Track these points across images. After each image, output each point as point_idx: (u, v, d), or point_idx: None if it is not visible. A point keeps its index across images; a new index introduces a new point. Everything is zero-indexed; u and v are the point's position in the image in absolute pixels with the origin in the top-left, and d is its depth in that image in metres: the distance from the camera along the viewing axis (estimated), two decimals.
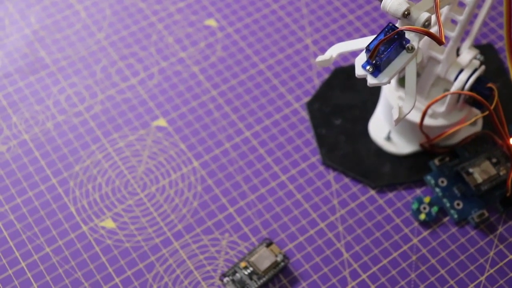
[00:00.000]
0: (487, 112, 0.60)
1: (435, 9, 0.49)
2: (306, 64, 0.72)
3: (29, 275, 0.60)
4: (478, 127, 0.67)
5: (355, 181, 0.65)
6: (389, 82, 0.49)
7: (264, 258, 0.59)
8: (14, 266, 0.61)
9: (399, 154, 0.66)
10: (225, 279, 0.59)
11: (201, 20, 0.76)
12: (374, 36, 0.49)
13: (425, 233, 0.63)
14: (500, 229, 0.63)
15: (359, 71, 0.50)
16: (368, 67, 0.49)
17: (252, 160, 0.66)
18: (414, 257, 0.61)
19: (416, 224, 0.63)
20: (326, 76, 0.71)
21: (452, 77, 0.61)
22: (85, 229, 0.63)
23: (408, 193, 0.65)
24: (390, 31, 0.48)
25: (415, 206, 0.63)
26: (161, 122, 0.68)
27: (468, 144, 0.65)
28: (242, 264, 0.60)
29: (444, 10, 0.58)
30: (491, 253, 0.62)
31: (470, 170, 0.62)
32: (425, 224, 0.63)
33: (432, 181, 0.64)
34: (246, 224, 0.63)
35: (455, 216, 0.62)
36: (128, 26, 0.75)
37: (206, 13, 0.76)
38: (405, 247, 0.62)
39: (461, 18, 0.57)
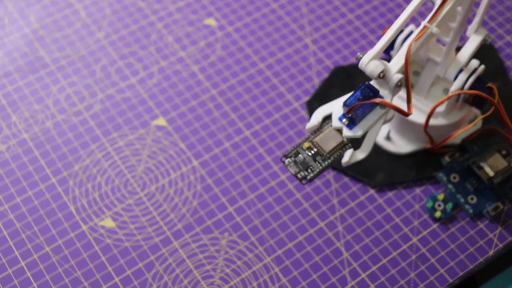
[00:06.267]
0: (489, 112, 0.60)
1: (405, 70, 0.53)
2: (306, 63, 0.72)
3: (28, 274, 0.60)
4: (478, 126, 0.67)
5: (354, 181, 0.65)
6: (362, 135, 0.53)
7: (330, 138, 0.55)
8: (14, 265, 0.61)
9: (399, 153, 0.66)
10: (287, 160, 0.54)
11: (200, 19, 0.75)
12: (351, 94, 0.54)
13: (425, 232, 0.63)
14: (500, 228, 0.63)
15: (335, 123, 0.54)
16: (344, 120, 0.53)
17: (251, 159, 0.66)
18: (413, 256, 0.61)
19: (415, 223, 0.63)
20: (325, 75, 0.71)
21: (451, 77, 0.61)
22: (84, 228, 0.63)
23: (407, 192, 0.65)
24: (367, 89, 0.53)
25: (429, 204, 0.63)
26: (161, 121, 0.68)
27: (476, 138, 0.65)
28: (306, 145, 0.55)
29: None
30: (491, 252, 0.62)
31: (481, 164, 0.63)
32: (427, 222, 0.63)
33: (444, 178, 0.64)
34: (246, 224, 0.63)
35: (470, 210, 0.62)
36: (128, 25, 0.75)
37: (205, 12, 0.76)
38: (404, 246, 0.62)
39: (454, 25, 0.57)
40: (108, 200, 0.64)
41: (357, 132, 0.53)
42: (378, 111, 0.53)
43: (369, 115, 0.53)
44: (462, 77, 0.60)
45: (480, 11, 0.60)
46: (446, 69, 0.61)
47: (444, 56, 0.60)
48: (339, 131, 0.54)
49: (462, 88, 0.60)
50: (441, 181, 0.64)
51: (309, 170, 0.54)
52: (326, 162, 0.54)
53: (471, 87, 0.60)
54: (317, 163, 0.54)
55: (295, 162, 0.55)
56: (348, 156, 0.54)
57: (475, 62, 0.60)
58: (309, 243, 0.62)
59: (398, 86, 0.52)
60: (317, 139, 0.55)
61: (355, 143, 0.55)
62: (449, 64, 0.60)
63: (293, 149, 0.55)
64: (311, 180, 0.54)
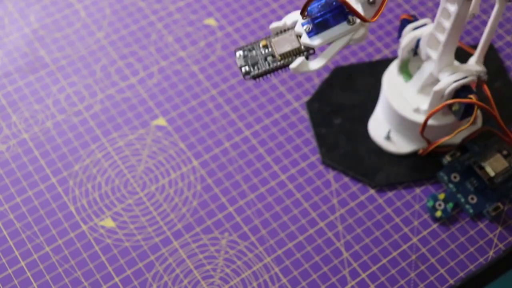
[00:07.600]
0: (468, 124, 0.59)
1: None
2: None
3: (28, 274, 0.60)
4: (478, 125, 0.67)
5: (354, 181, 0.65)
6: (319, 46, 0.51)
7: (287, 42, 0.52)
8: (14, 265, 0.61)
9: (399, 153, 0.66)
10: (238, 53, 0.53)
11: (200, 19, 0.76)
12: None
13: (425, 232, 0.63)
14: (500, 228, 0.63)
15: (297, 28, 0.52)
16: (305, 27, 0.51)
17: (251, 159, 0.66)
18: (413, 257, 0.61)
19: (415, 223, 0.63)
20: (325, 75, 0.71)
21: (442, 78, 0.60)
22: (84, 228, 0.63)
23: (407, 192, 0.65)
24: None
25: (430, 203, 0.63)
26: (161, 121, 0.68)
27: (476, 138, 0.65)
28: (262, 43, 0.53)
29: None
30: (491, 252, 0.62)
31: (482, 164, 0.63)
32: (427, 222, 0.63)
33: (445, 177, 0.64)
34: (246, 224, 0.63)
35: (471, 210, 0.62)
36: (128, 25, 0.75)
37: (205, 12, 0.76)
38: (404, 246, 0.62)
39: (447, 25, 0.57)
40: (108, 200, 0.64)
41: (314, 41, 0.51)
42: (344, 26, 0.51)
43: (334, 28, 0.51)
44: (449, 79, 0.59)
45: (480, 46, 0.60)
46: (440, 69, 0.60)
47: (439, 54, 0.59)
48: (300, 36, 0.52)
49: (445, 89, 0.60)
50: (441, 180, 0.64)
51: (255, 67, 0.53)
52: (275, 64, 0.52)
53: (454, 92, 0.59)
54: (266, 62, 0.52)
55: (245, 56, 0.53)
56: (297, 63, 0.51)
57: (472, 70, 0.60)
58: (309, 243, 0.62)
59: (370, 3, 0.50)
60: (274, 39, 0.53)
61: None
62: (444, 65, 0.60)
63: (250, 43, 0.53)
64: (254, 77, 0.52)
